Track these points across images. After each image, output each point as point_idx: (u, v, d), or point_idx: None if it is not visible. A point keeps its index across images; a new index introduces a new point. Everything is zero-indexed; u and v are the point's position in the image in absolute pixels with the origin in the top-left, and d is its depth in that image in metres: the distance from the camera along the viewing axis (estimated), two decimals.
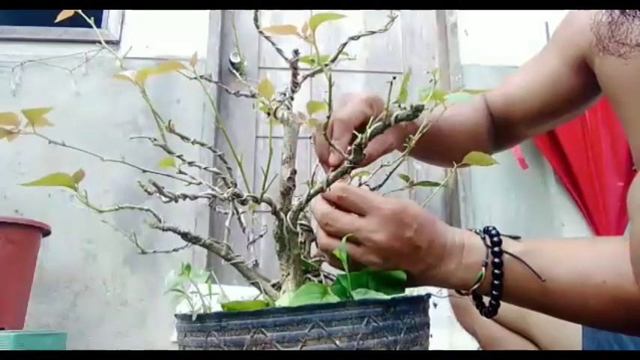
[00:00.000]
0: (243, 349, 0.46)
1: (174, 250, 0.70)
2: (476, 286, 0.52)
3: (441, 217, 1.56)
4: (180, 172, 0.62)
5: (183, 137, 0.58)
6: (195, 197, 0.56)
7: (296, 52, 0.56)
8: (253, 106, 0.65)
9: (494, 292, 0.52)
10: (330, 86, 0.47)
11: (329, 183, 0.53)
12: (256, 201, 0.55)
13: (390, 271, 0.52)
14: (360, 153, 0.50)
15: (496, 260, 0.51)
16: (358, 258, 0.51)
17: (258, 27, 0.58)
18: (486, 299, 0.55)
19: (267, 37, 0.60)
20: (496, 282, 0.51)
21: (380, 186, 0.69)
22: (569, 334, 0.72)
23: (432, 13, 2.53)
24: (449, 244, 0.53)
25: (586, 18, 0.68)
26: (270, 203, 0.56)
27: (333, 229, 0.52)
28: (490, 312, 0.55)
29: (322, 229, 0.53)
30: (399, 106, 0.50)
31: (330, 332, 0.45)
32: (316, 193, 0.54)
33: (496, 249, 0.52)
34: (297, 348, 0.45)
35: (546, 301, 0.52)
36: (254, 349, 0.46)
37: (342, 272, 0.51)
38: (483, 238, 0.53)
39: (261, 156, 2.25)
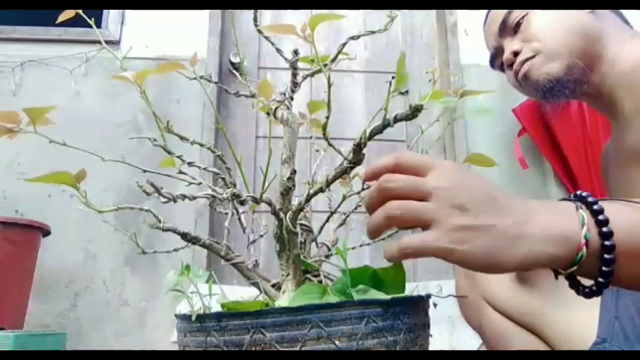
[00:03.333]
0: (242, 350, 0.46)
1: (175, 250, 0.70)
2: (585, 232, 0.42)
3: None
4: (181, 173, 0.62)
5: (182, 137, 0.58)
6: (194, 197, 0.56)
7: (295, 52, 0.57)
8: (253, 106, 0.65)
9: (606, 243, 0.42)
10: (329, 86, 0.47)
11: (329, 183, 0.53)
12: (256, 201, 0.55)
13: (476, 225, 0.42)
14: (359, 153, 0.50)
15: (590, 200, 0.44)
16: (430, 214, 0.42)
17: (257, 27, 0.58)
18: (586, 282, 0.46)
19: (266, 37, 0.60)
20: (604, 229, 0.42)
21: None
22: (584, 336, 0.68)
23: (432, 13, 2.53)
24: (525, 201, 0.45)
25: None
26: (269, 203, 0.56)
27: (393, 186, 0.44)
28: (607, 274, 0.43)
29: (378, 192, 0.45)
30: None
31: (330, 332, 0.45)
32: (316, 193, 0.54)
33: (585, 196, 0.45)
34: (297, 348, 0.45)
35: None
36: (253, 349, 0.46)
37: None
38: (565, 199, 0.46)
39: (261, 156, 2.25)
